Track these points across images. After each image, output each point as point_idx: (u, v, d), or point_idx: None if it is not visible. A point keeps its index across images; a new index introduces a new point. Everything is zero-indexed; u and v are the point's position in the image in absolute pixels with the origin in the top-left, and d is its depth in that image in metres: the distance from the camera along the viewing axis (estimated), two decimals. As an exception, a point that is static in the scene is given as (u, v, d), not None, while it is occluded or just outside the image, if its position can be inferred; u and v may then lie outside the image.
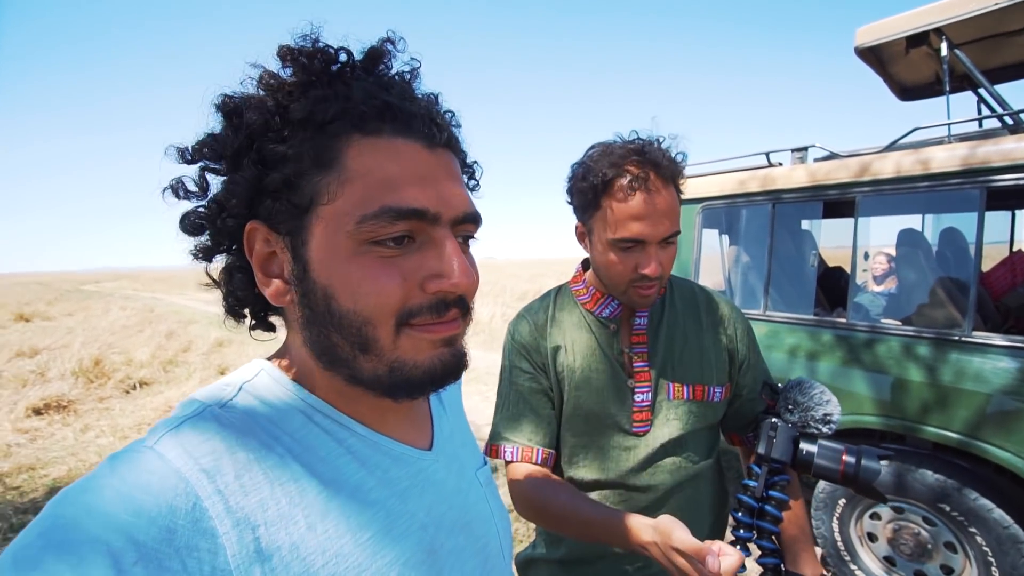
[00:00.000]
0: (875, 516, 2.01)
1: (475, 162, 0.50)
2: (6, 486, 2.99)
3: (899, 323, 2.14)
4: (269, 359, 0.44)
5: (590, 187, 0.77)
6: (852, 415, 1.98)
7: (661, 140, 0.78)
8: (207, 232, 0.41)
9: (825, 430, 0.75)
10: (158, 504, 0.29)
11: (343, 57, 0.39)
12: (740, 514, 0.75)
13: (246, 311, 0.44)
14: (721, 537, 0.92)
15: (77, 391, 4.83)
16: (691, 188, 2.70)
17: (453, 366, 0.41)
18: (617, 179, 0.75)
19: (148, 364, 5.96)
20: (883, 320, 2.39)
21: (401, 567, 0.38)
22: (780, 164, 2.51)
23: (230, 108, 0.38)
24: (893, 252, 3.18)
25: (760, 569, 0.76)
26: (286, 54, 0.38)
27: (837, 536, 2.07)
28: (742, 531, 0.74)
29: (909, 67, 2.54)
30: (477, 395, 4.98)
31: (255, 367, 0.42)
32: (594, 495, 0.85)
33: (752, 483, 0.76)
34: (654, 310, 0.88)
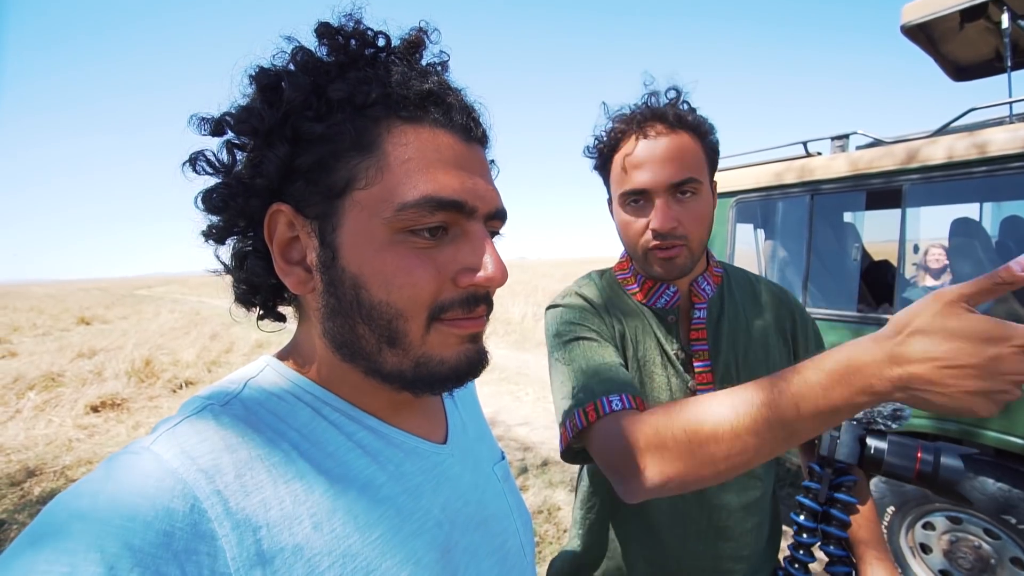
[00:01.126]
0: (929, 526, 1.88)
1: (492, 161, 0.48)
2: (67, 479, 3.20)
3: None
4: (277, 354, 0.43)
5: (600, 153, 0.76)
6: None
7: (668, 92, 0.73)
8: (226, 212, 0.38)
9: (895, 426, 0.68)
10: (154, 507, 0.28)
11: (381, 41, 0.38)
12: (803, 518, 0.69)
13: (256, 299, 0.42)
14: (777, 547, 0.85)
15: (130, 390, 5.12)
16: (724, 181, 2.60)
17: (477, 363, 0.40)
18: (623, 134, 0.72)
19: (193, 364, 6.25)
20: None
21: (413, 567, 0.37)
22: (819, 154, 2.39)
23: (268, 81, 0.36)
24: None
25: None
26: (325, 32, 0.37)
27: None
28: (805, 536, 0.68)
29: (964, 44, 2.36)
30: (508, 395, 4.98)
31: (261, 363, 0.41)
32: (648, 514, 0.76)
33: (814, 485, 0.69)
34: (713, 301, 0.79)
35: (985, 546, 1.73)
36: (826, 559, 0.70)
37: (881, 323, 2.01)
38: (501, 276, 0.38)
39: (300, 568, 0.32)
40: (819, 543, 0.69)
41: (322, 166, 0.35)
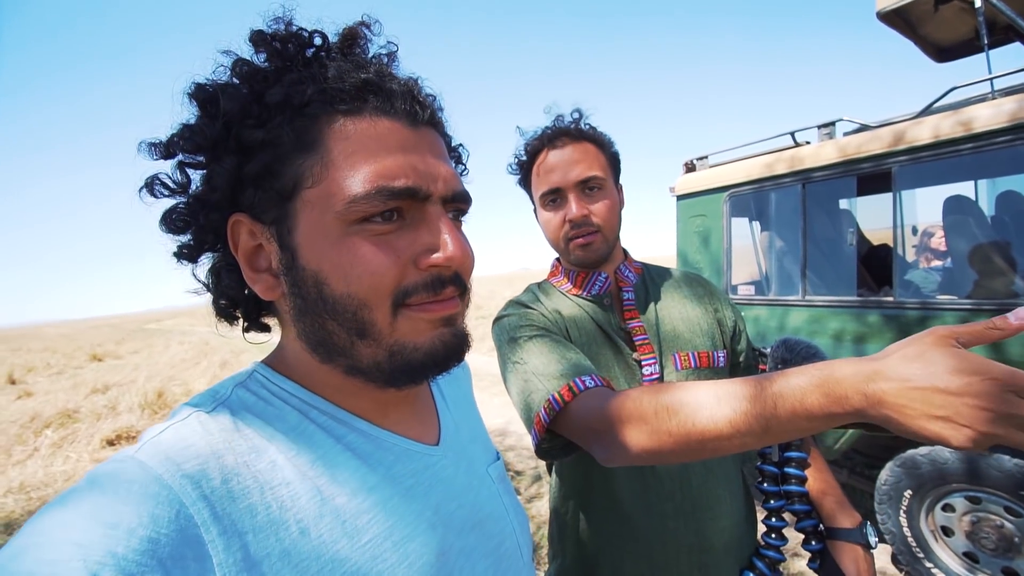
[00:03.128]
0: (948, 508, 1.85)
1: (460, 145, 0.49)
2: (85, 514, 3.22)
3: (955, 297, 1.99)
4: (265, 360, 0.42)
5: (521, 167, 0.89)
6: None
7: (574, 113, 0.86)
8: (190, 230, 0.39)
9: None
10: (138, 514, 0.27)
11: (318, 40, 0.38)
12: (765, 484, 0.73)
13: (238, 312, 0.42)
14: (754, 520, 0.87)
15: (144, 422, 5.16)
16: (715, 177, 2.63)
17: (455, 346, 0.39)
18: (536, 150, 0.85)
19: (205, 393, 6.31)
20: (939, 296, 2.23)
21: (406, 570, 0.36)
22: (808, 143, 2.41)
23: (205, 96, 0.36)
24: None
25: (802, 536, 0.74)
26: (259, 40, 0.37)
27: (907, 531, 1.92)
28: (772, 501, 0.72)
29: (942, 25, 2.39)
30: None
31: (248, 369, 0.41)
32: (614, 484, 0.78)
33: (768, 450, 0.73)
34: (638, 287, 0.88)
35: (1007, 524, 1.70)
36: (795, 518, 0.73)
37: (883, 305, 2.01)
38: (461, 255, 0.38)
39: (287, 573, 0.32)
40: (784, 504, 0.71)
41: (269, 171, 0.36)
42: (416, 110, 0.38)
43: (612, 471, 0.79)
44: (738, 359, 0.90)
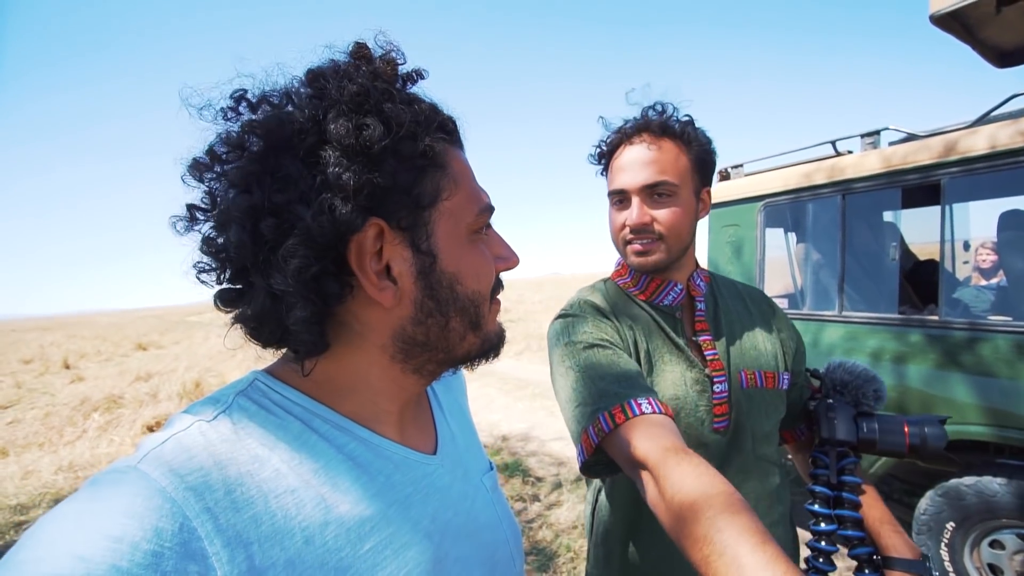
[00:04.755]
0: (997, 545, 1.73)
1: None
2: (125, 495, 3.40)
3: (1009, 319, 1.86)
4: (267, 369, 0.42)
5: (600, 156, 0.84)
6: (954, 425, 1.74)
7: (658, 106, 0.81)
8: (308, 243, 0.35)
9: (877, 406, 0.74)
10: (142, 527, 0.27)
11: (412, 71, 0.42)
12: (817, 506, 0.70)
13: (310, 329, 0.38)
14: (797, 545, 0.84)
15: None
16: (750, 185, 2.56)
17: (504, 335, 0.48)
18: (614, 144, 0.81)
19: (240, 385, 6.58)
20: (990, 317, 2.09)
21: None
22: (849, 152, 2.32)
23: (374, 103, 0.36)
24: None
25: (854, 563, 0.70)
26: (392, 68, 0.39)
27: (948, 567, 1.81)
28: (823, 524, 0.69)
29: (1005, 27, 2.24)
30: (543, 410, 4.94)
31: (249, 377, 0.40)
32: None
33: (822, 472, 0.71)
34: (707, 297, 0.84)
35: (1059, 564, 1.59)
36: (847, 544, 0.70)
37: (927, 324, 1.91)
38: (519, 259, 0.47)
39: None
40: (837, 528, 0.69)
41: (416, 181, 0.38)
42: (463, 143, 0.45)
43: None
44: (796, 380, 0.87)
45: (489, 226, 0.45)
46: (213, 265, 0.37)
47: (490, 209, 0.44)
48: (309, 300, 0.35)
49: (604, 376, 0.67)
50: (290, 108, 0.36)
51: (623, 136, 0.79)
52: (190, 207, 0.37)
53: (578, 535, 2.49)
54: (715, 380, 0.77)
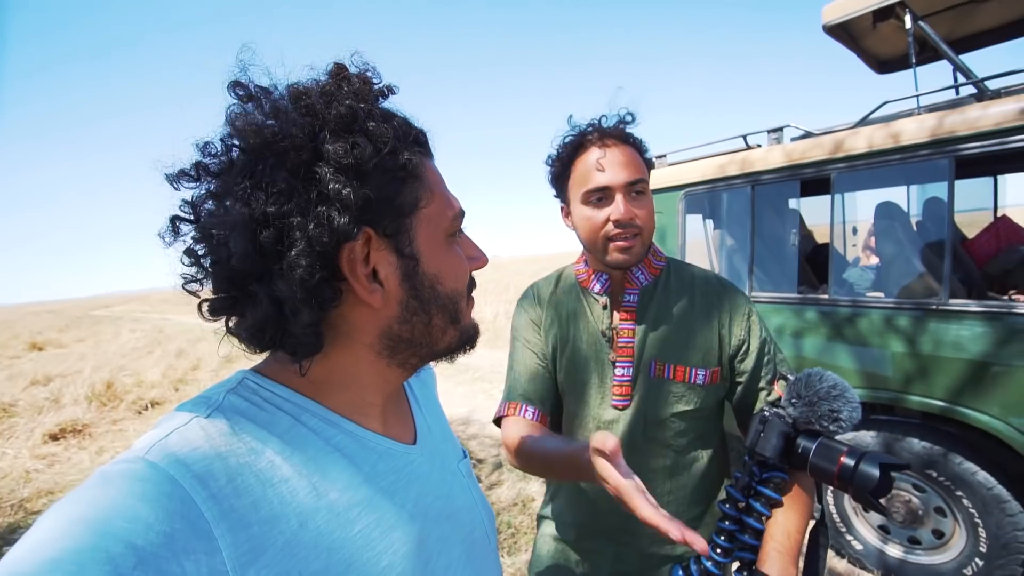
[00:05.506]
0: (868, 487, 2.04)
1: None
2: (27, 511, 3.08)
3: (881, 295, 2.16)
4: (255, 368, 0.45)
5: (560, 162, 0.88)
6: (838, 389, 2.01)
7: (611, 116, 0.87)
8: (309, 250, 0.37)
9: (833, 428, 0.66)
10: (155, 510, 0.29)
11: (384, 87, 0.45)
12: (727, 506, 0.72)
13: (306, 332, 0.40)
14: (697, 530, 0.92)
15: (91, 415, 4.93)
16: (672, 175, 2.73)
17: (479, 328, 0.52)
18: (579, 146, 0.85)
19: (159, 384, 6.07)
20: (869, 293, 2.41)
21: (391, 556, 0.41)
22: (759, 146, 2.54)
23: (360, 125, 0.40)
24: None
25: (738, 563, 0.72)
26: (369, 84, 0.42)
27: (832, 508, 2.11)
28: (727, 523, 0.71)
29: (881, 40, 2.54)
30: (482, 394, 5.03)
31: (238, 376, 0.43)
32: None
33: (743, 476, 0.72)
34: (646, 290, 0.89)
35: (914, 499, 1.90)
36: (741, 547, 0.71)
37: (819, 303, 2.16)
38: (488, 259, 0.52)
39: (289, 562, 0.35)
40: (737, 531, 0.70)
41: (399, 191, 0.42)
42: (433, 153, 0.49)
43: None
44: (740, 378, 0.87)
45: (461, 230, 0.49)
46: (201, 276, 0.40)
47: (462, 214, 0.48)
48: (310, 306, 0.38)
49: (512, 368, 0.97)
50: (277, 124, 0.38)
51: (593, 139, 0.84)
52: (174, 219, 0.39)
53: (518, 512, 2.61)
54: (618, 364, 0.87)
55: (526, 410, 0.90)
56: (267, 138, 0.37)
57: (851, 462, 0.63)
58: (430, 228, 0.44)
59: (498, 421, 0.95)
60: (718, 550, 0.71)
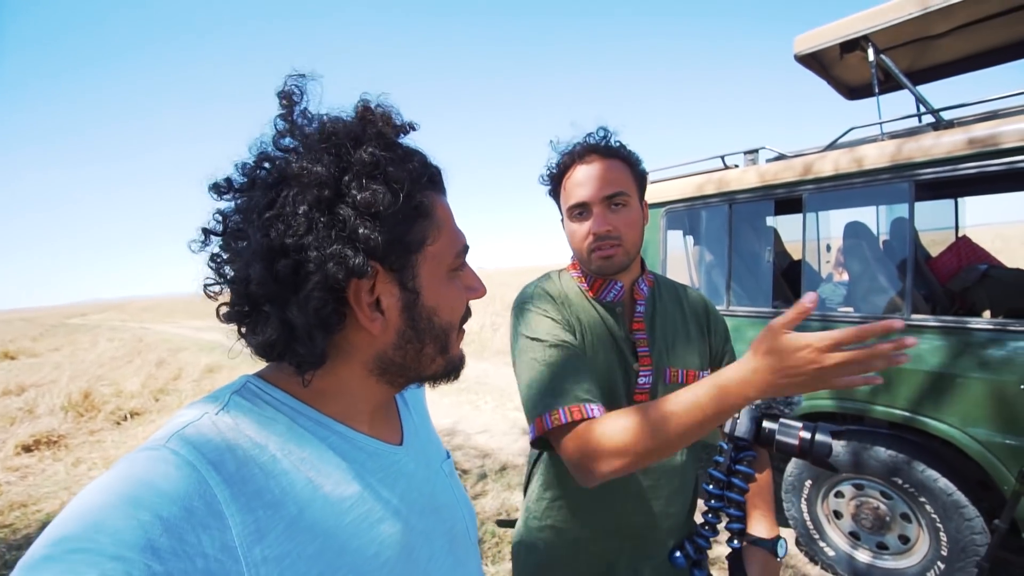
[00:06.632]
0: (839, 495, 2.12)
1: None
2: (-1, 524, 3.01)
3: (851, 311, 2.27)
4: (257, 373, 0.48)
5: (552, 180, 0.95)
6: (810, 400, 2.10)
7: (600, 133, 0.93)
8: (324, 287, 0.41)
9: (787, 410, 0.81)
10: (177, 488, 0.34)
11: (406, 124, 0.49)
12: (711, 487, 0.83)
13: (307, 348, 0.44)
14: (691, 513, 1.01)
15: (67, 425, 4.82)
16: (654, 193, 2.83)
17: (465, 359, 0.56)
18: (565, 165, 0.92)
19: (139, 394, 5.95)
20: (840, 309, 2.52)
21: (379, 545, 0.45)
22: (736, 166, 2.65)
23: (382, 171, 0.43)
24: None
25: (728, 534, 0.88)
26: (392, 124, 0.46)
27: (806, 516, 2.18)
28: (713, 502, 0.83)
29: (848, 69, 2.70)
30: (468, 404, 5.05)
31: (241, 380, 0.46)
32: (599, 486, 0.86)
33: (721, 459, 0.84)
34: (648, 300, 0.95)
35: (882, 506, 1.98)
36: (727, 520, 0.85)
37: (792, 317, 2.26)
38: (486, 289, 0.55)
39: (288, 544, 0.38)
40: (722, 507, 0.83)
41: (408, 231, 0.45)
42: (446, 189, 0.53)
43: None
44: None
45: (465, 262, 0.52)
46: (221, 283, 0.44)
47: (466, 249, 0.51)
48: (322, 329, 0.42)
49: (565, 375, 0.81)
50: (306, 162, 0.41)
51: (574, 157, 0.90)
52: (205, 231, 0.44)
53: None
54: (641, 373, 0.90)
55: (601, 409, 0.77)
56: (295, 171, 0.41)
57: (808, 435, 0.77)
58: (434, 264, 0.48)
59: (539, 440, 0.80)
60: (706, 527, 0.85)
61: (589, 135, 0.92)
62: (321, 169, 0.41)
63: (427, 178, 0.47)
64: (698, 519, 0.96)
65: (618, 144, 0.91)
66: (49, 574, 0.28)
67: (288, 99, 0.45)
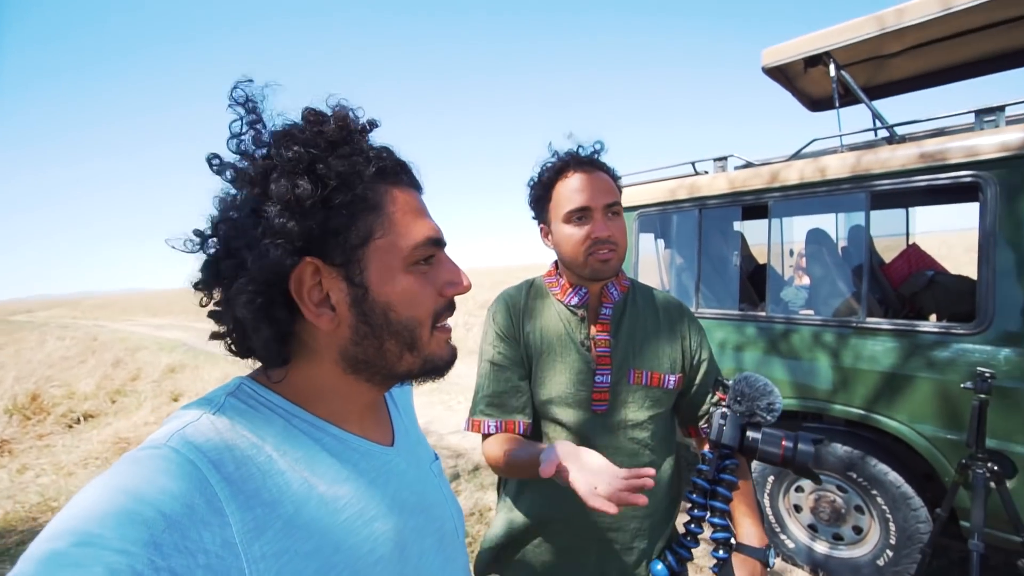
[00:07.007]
0: (799, 489, 2.22)
1: None
2: (-64, 535, 2.81)
3: (811, 313, 2.38)
4: (250, 375, 0.49)
5: (542, 185, 0.97)
6: (773, 399, 2.19)
7: (587, 146, 0.98)
8: (237, 271, 0.43)
9: (769, 418, 0.83)
10: (179, 486, 0.35)
11: (365, 124, 0.49)
12: (695, 495, 0.84)
13: (264, 347, 0.46)
14: (668, 526, 1.02)
15: (12, 430, 4.55)
16: (627, 197, 2.89)
17: (455, 355, 0.55)
18: (560, 171, 0.95)
19: (93, 396, 5.66)
20: (802, 311, 2.64)
21: (373, 543, 0.46)
22: (706, 172, 2.74)
23: (306, 164, 0.43)
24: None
25: (713, 544, 0.86)
26: (318, 118, 0.46)
27: (768, 511, 2.27)
28: (696, 510, 0.83)
29: (812, 83, 2.82)
30: (440, 405, 5.02)
31: (235, 381, 0.47)
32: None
33: (705, 467, 0.84)
34: (618, 305, 0.99)
35: (838, 499, 2.09)
36: (712, 529, 0.85)
37: (758, 319, 2.35)
38: (470, 284, 0.54)
39: (285, 541, 0.39)
40: (707, 516, 0.83)
41: (347, 225, 0.45)
42: (420, 184, 0.53)
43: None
44: (692, 384, 1.01)
45: (432, 256, 0.50)
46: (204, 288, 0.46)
47: (430, 242, 0.49)
48: (262, 324, 0.43)
49: (487, 384, 0.99)
50: (243, 165, 0.44)
51: (571, 164, 0.94)
52: (195, 232, 0.46)
53: (475, 521, 2.65)
54: (597, 372, 0.94)
55: (519, 425, 0.95)
56: (234, 175, 0.44)
57: (791, 444, 0.80)
58: (385, 258, 0.46)
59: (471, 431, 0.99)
60: (688, 537, 0.85)
61: (580, 147, 0.96)
62: (251, 170, 0.43)
63: (376, 171, 0.47)
64: (679, 529, 0.98)
65: (603, 161, 0.96)
66: (53, 567, 0.28)
67: (244, 107, 0.46)
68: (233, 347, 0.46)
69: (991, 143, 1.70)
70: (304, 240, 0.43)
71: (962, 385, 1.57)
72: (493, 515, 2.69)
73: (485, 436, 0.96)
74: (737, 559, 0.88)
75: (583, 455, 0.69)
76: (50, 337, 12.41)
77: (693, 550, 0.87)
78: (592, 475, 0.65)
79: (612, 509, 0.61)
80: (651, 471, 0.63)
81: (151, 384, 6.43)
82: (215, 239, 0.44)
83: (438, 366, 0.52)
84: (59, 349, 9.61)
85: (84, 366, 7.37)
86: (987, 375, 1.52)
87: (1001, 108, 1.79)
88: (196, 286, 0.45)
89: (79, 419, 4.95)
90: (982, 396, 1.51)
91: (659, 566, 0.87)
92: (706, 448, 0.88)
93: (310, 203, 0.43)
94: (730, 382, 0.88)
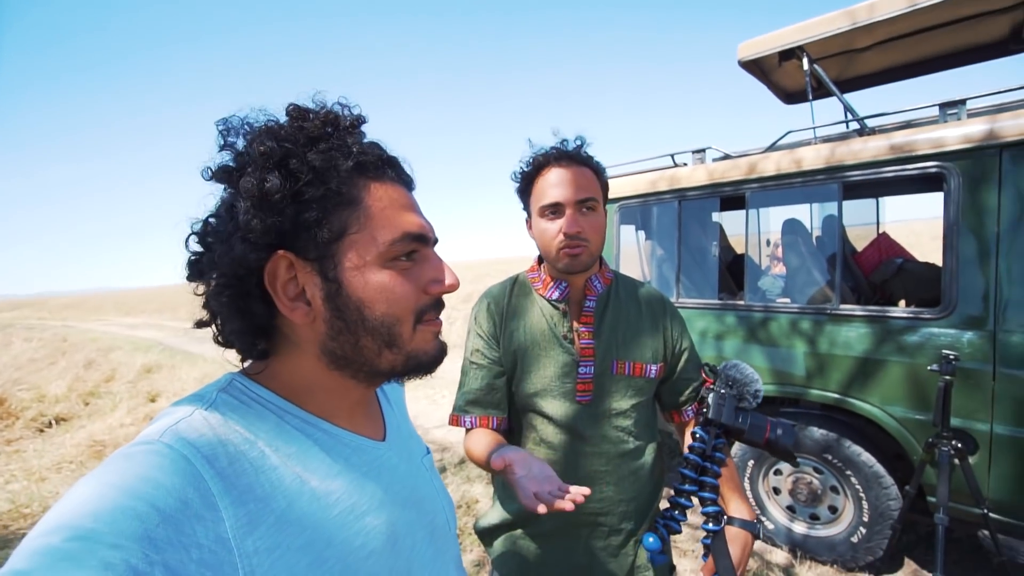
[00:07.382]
0: (778, 472, 2.29)
1: None
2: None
3: (788, 301, 2.45)
4: (242, 371, 0.49)
5: (524, 178, 0.99)
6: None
7: (571, 141, 0.99)
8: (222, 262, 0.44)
9: (754, 403, 0.89)
10: (173, 481, 0.35)
11: (348, 119, 0.49)
12: (687, 470, 0.87)
13: (249, 340, 0.47)
14: (652, 508, 1.05)
15: (-22, 435, 4.39)
16: (608, 189, 2.91)
17: (444, 351, 0.54)
18: (540, 166, 0.96)
19: (65, 398, 5.48)
20: (779, 300, 2.71)
21: (364, 537, 0.46)
22: (685, 164, 2.78)
23: (278, 159, 0.43)
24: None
25: (703, 518, 0.90)
26: (301, 113, 0.46)
27: (749, 494, 2.34)
28: (687, 485, 0.87)
29: (786, 76, 2.88)
30: (425, 399, 5.02)
31: (227, 377, 0.47)
32: (546, 460, 0.95)
33: (699, 445, 0.88)
34: (601, 297, 1.01)
35: (815, 481, 2.17)
36: (699, 504, 0.88)
37: (737, 308, 2.41)
38: (457, 283, 0.53)
39: (278, 536, 0.39)
40: (697, 490, 0.87)
41: (320, 220, 0.44)
42: (410, 179, 0.53)
43: (548, 446, 0.99)
44: (674, 372, 1.05)
45: (414, 252, 0.49)
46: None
47: (409, 237, 0.48)
48: (235, 316, 0.45)
49: (467, 381, 1.03)
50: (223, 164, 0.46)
51: (550, 159, 0.94)
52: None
53: (462, 513, 2.66)
54: (581, 363, 0.97)
55: (492, 421, 0.99)
56: (209, 176, 0.45)
57: (774, 430, 0.85)
58: (360, 253, 0.46)
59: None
60: (677, 511, 0.88)
61: (564, 141, 0.97)
62: (226, 167, 0.45)
63: (355, 165, 0.46)
64: (662, 506, 1.00)
65: (587, 155, 0.97)
66: (48, 561, 0.28)
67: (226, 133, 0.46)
68: (219, 337, 0.48)
69: (953, 135, 1.77)
70: (274, 234, 0.43)
71: (929, 367, 1.64)
72: (480, 506, 2.73)
73: (468, 430, 1.00)
74: (729, 532, 0.91)
75: (532, 463, 0.73)
76: (16, 339, 11.92)
77: (675, 536, 0.91)
78: (535, 482, 0.69)
79: (541, 509, 0.64)
80: (586, 490, 0.66)
81: (126, 385, 6.25)
82: (195, 236, 0.46)
83: (423, 363, 0.51)
84: (26, 351, 9.26)
85: (54, 368, 7.12)
86: (952, 357, 1.59)
87: (963, 102, 1.86)
88: (188, 278, 0.46)
89: (51, 423, 4.79)
90: (947, 377, 1.59)
91: (651, 538, 0.90)
92: (699, 426, 0.91)
93: (278, 197, 0.42)
94: (719, 368, 0.92)
